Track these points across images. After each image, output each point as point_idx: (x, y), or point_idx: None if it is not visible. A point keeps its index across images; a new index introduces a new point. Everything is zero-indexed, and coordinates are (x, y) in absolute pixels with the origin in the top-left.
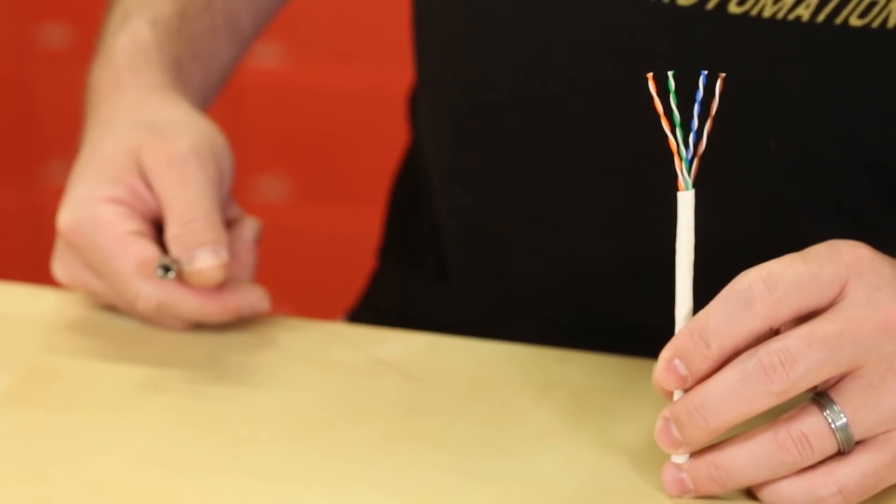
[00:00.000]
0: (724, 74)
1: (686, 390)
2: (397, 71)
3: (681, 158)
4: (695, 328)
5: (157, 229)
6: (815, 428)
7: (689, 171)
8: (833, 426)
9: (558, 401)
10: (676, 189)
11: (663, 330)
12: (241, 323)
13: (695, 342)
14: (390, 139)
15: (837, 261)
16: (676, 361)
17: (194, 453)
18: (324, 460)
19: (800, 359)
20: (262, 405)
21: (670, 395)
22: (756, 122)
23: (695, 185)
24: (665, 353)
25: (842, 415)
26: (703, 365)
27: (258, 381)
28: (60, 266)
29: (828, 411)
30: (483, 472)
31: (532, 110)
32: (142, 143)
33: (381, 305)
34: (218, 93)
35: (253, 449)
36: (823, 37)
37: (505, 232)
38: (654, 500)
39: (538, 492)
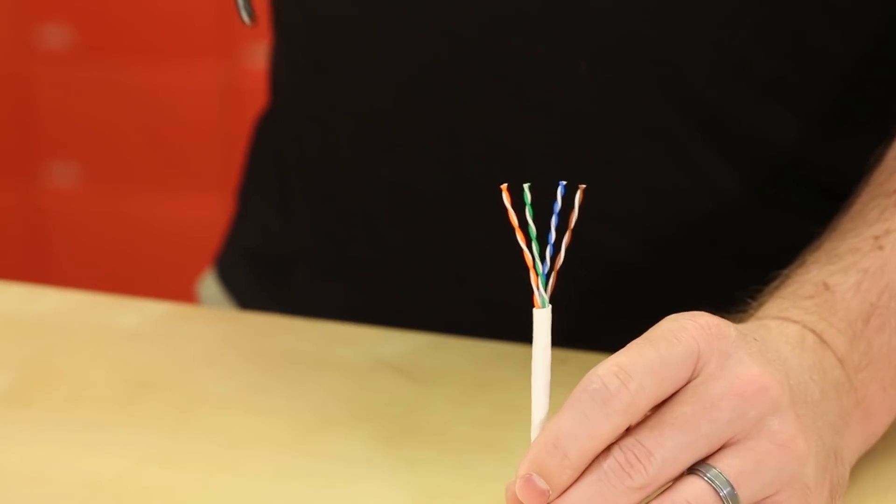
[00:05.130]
0: (584, 186)
1: None
2: None
3: (537, 274)
4: (549, 438)
5: None
6: (700, 495)
7: (545, 287)
8: (719, 492)
9: (559, 401)
10: (503, 108)
11: (500, 252)
12: (240, 323)
13: (551, 454)
14: None
15: (685, 337)
16: (535, 477)
17: (194, 453)
18: (323, 460)
19: (655, 450)
20: (262, 405)
21: None
22: (566, 44)
23: (511, 110)
24: (522, 469)
25: (724, 477)
26: (564, 476)
27: (258, 380)
28: None
29: (709, 476)
30: (483, 473)
31: (359, 36)
32: None
33: (241, 244)
34: None
35: (253, 449)
36: None
37: (337, 158)
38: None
39: None
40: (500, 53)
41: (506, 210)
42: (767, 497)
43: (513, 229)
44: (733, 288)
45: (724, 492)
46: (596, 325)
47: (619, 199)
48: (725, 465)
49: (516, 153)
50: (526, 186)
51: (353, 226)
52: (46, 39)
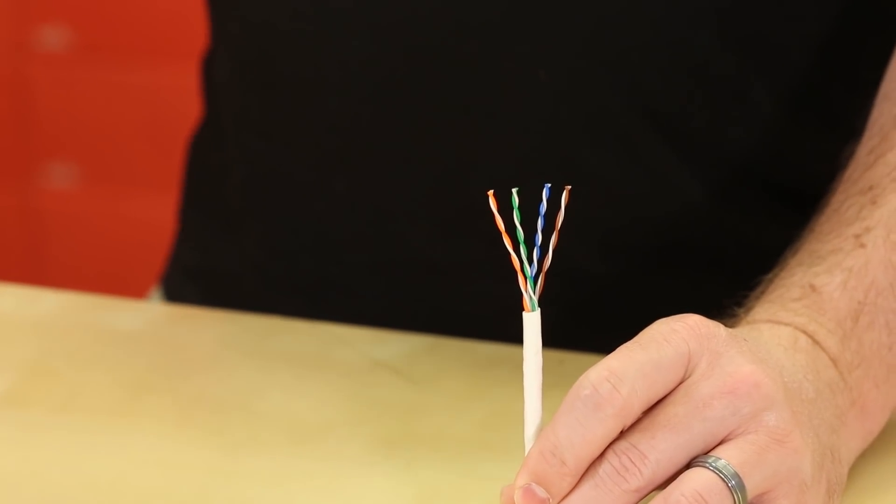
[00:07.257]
0: (569, 187)
1: None
2: None
3: (525, 277)
4: (546, 447)
5: None
6: (707, 483)
7: (534, 289)
8: (728, 482)
9: (557, 402)
10: (461, 120)
11: (456, 265)
12: (239, 324)
13: (549, 462)
14: None
15: (675, 339)
16: (534, 486)
17: (194, 454)
18: (323, 462)
19: (649, 452)
20: (261, 406)
21: None
22: (525, 53)
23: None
24: (520, 480)
25: (731, 468)
26: (563, 483)
27: (257, 382)
28: None
29: (715, 467)
30: (481, 473)
31: (311, 52)
32: None
33: (187, 264)
34: None
35: (252, 450)
36: None
37: (291, 175)
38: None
39: None
40: (459, 65)
41: (492, 215)
42: (765, 492)
43: (477, 240)
44: (700, 294)
45: (733, 483)
46: (564, 335)
47: (579, 206)
48: (728, 457)
49: (475, 165)
50: (514, 191)
51: (306, 241)
52: (45, 40)
